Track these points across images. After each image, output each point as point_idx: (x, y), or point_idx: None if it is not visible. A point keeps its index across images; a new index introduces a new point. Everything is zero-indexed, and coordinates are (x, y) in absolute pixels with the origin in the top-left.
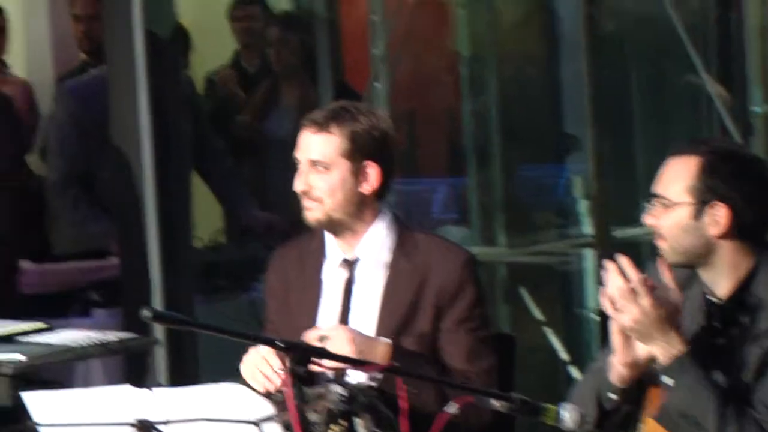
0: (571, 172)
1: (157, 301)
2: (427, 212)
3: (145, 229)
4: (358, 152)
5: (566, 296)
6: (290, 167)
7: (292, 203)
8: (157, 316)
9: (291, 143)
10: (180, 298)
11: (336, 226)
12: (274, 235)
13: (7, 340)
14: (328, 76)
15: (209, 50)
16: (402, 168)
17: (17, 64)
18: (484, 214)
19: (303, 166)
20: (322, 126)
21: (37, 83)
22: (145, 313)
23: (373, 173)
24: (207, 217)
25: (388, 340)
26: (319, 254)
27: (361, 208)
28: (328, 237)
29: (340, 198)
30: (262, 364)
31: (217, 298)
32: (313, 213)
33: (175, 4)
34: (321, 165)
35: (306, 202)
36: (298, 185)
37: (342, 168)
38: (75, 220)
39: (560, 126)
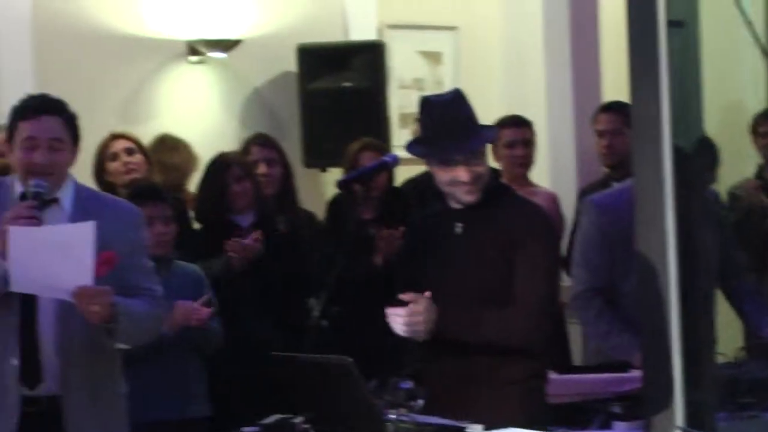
0: None
1: (679, 417)
2: None
3: (669, 342)
4: None
5: None
6: None
7: None
8: None
9: None
10: (702, 414)
11: None
12: None
13: None
14: None
15: (732, 163)
16: None
17: (542, 175)
18: None
19: None
20: None
21: (561, 194)
22: None
23: None
24: (729, 333)
25: None
26: None
27: None
28: None
29: None
30: None
31: (741, 416)
32: None
33: (702, 119)
34: None
35: None
36: None
37: None
38: (598, 332)
39: None
